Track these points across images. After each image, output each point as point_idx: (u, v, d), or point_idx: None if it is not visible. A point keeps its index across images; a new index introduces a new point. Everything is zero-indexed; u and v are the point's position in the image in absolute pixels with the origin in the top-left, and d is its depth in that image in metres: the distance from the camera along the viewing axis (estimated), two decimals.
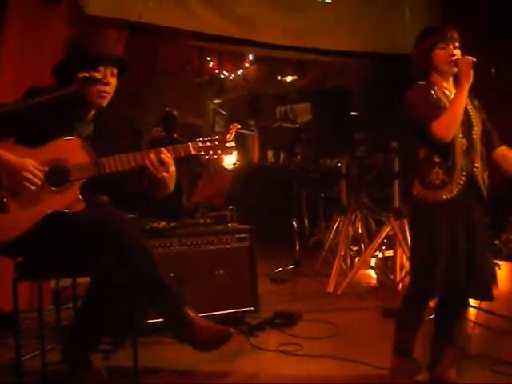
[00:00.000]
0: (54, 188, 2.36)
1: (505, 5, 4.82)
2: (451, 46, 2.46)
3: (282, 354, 3.07)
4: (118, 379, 2.68)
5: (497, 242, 4.39)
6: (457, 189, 2.42)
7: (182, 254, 3.42)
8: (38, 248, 2.35)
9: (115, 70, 2.48)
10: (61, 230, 2.32)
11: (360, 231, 5.04)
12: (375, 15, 5.14)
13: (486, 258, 2.59)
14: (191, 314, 2.40)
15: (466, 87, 2.40)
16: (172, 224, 3.56)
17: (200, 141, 2.46)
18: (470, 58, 2.41)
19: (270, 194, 6.67)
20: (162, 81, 6.14)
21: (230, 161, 5.17)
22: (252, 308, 3.55)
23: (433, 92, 2.46)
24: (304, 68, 6.92)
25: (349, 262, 4.87)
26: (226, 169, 5.48)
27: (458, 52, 2.47)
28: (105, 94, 2.46)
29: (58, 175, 2.35)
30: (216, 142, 2.47)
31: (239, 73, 7.08)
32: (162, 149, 2.41)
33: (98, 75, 2.39)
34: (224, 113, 7.16)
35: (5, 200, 2.30)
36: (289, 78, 7.12)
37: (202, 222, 3.76)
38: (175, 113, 3.68)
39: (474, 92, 2.52)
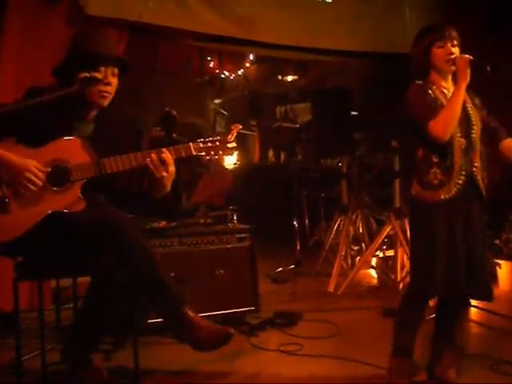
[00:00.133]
0: (55, 188, 2.36)
1: (505, 5, 4.81)
2: (449, 45, 2.44)
3: (283, 354, 3.07)
4: (118, 379, 2.68)
5: (497, 241, 4.39)
6: (455, 188, 2.41)
7: (183, 254, 3.42)
8: (39, 248, 2.35)
9: (116, 70, 2.49)
10: (61, 230, 2.33)
11: (361, 231, 5.03)
12: (375, 15, 5.14)
13: (486, 258, 2.59)
14: (191, 314, 2.40)
15: (463, 86, 2.39)
16: (172, 224, 3.56)
17: (201, 141, 2.46)
18: (466, 56, 2.40)
19: (271, 194, 6.67)
20: (161, 81, 6.13)
21: (230, 161, 5.17)
22: (252, 308, 3.55)
23: (430, 91, 2.45)
24: (304, 68, 6.92)
25: (349, 261, 4.87)
26: (226, 169, 5.48)
27: (456, 50, 2.45)
28: (106, 94, 2.46)
29: (59, 175, 2.36)
30: (217, 143, 2.47)
31: (240, 73, 7.08)
32: (163, 149, 2.41)
33: (98, 75, 2.39)
34: (225, 113, 7.15)
35: (7, 200, 2.30)
36: (289, 78, 7.13)
37: (202, 221, 3.77)
38: (174, 112, 3.68)
39: (473, 90, 2.51)
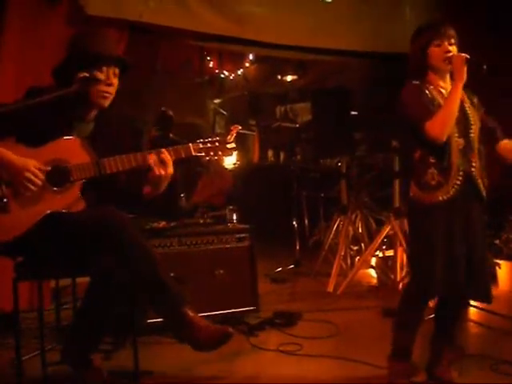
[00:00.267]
0: (54, 188, 2.36)
1: (505, 5, 4.81)
2: (446, 43, 2.41)
3: (282, 354, 3.07)
4: (118, 379, 2.67)
5: (497, 241, 4.39)
6: (453, 189, 2.38)
7: (182, 254, 3.42)
8: (38, 248, 2.35)
9: (117, 71, 2.49)
10: (61, 230, 2.33)
11: (360, 231, 5.04)
12: (376, 14, 5.13)
13: (485, 259, 2.57)
14: (191, 313, 2.40)
15: (459, 85, 2.35)
16: (172, 224, 3.56)
17: (201, 142, 2.46)
18: (463, 54, 2.36)
19: (270, 194, 6.67)
20: (161, 81, 6.13)
21: (230, 161, 5.17)
22: (252, 308, 3.56)
23: (427, 91, 2.41)
24: (304, 67, 6.92)
25: (349, 261, 4.87)
26: (226, 169, 5.48)
27: (453, 49, 2.42)
28: (107, 95, 2.47)
29: (58, 175, 2.35)
30: (217, 143, 2.47)
31: (239, 72, 7.08)
32: (163, 149, 2.41)
33: (101, 76, 2.39)
34: (224, 113, 7.15)
35: (5, 200, 2.30)
36: (289, 78, 7.13)
37: (201, 221, 3.77)
38: (171, 112, 3.68)
39: (472, 88, 2.49)
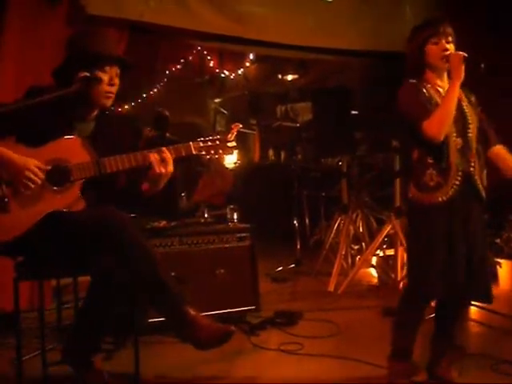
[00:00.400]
0: (55, 188, 2.36)
1: (505, 5, 4.81)
2: (444, 41, 2.38)
3: (283, 353, 3.07)
4: (119, 379, 2.67)
5: (498, 240, 4.39)
6: (452, 190, 2.36)
7: (183, 254, 3.42)
8: (39, 248, 2.35)
9: (119, 71, 2.49)
10: (61, 230, 2.32)
11: (361, 230, 5.04)
12: (376, 14, 5.14)
13: (485, 259, 2.55)
14: (192, 313, 2.39)
15: (457, 83, 2.33)
16: (173, 223, 3.56)
17: (201, 140, 2.46)
18: (460, 53, 2.34)
19: (271, 193, 6.68)
20: (162, 81, 6.15)
21: (230, 160, 5.18)
22: (253, 307, 3.56)
23: (425, 90, 2.39)
24: (305, 67, 6.93)
25: (350, 260, 4.87)
26: (226, 168, 5.49)
27: (451, 47, 2.39)
28: (110, 95, 2.47)
29: (59, 175, 2.35)
30: (217, 142, 2.47)
31: (240, 72, 7.09)
32: (163, 148, 2.41)
33: (104, 76, 2.39)
34: (225, 112, 7.17)
35: (6, 200, 2.30)
36: (289, 77, 7.14)
37: (202, 221, 3.77)
38: (167, 112, 3.69)
39: (470, 87, 2.47)
